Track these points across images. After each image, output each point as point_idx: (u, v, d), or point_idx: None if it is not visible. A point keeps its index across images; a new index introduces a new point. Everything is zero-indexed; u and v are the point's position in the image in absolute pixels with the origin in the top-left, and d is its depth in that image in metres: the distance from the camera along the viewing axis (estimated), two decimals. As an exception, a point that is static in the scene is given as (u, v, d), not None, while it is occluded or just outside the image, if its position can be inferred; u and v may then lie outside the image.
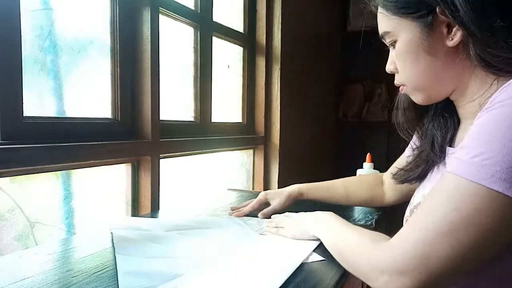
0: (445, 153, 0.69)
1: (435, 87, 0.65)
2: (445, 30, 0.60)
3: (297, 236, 0.82)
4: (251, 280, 0.62)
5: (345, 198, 1.05)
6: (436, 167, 0.71)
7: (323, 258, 0.72)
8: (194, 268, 0.66)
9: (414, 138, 0.79)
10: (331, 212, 0.78)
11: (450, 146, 0.69)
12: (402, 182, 0.80)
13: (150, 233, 0.83)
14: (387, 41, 0.68)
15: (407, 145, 0.84)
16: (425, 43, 0.61)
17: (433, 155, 0.70)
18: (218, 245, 0.78)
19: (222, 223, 0.94)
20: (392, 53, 0.68)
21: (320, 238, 0.75)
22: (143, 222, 0.92)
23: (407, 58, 0.65)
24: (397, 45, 0.65)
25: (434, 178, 0.70)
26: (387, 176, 1.01)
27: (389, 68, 0.71)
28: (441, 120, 0.72)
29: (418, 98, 0.69)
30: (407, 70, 0.66)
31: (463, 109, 0.66)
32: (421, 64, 0.63)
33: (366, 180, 1.06)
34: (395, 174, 0.82)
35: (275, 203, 1.03)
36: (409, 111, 0.76)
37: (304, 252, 0.74)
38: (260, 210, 1.03)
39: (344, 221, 0.73)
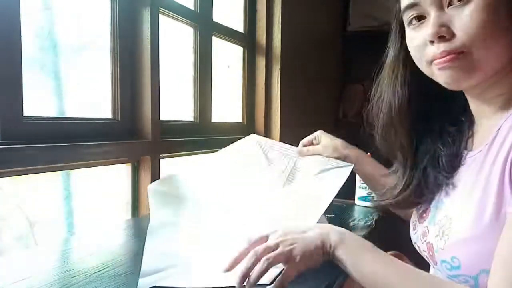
0: (454, 172, 0.63)
1: (502, 57, 0.56)
2: None
3: (309, 252, 0.58)
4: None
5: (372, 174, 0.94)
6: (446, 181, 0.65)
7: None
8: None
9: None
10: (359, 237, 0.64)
11: (466, 149, 0.64)
12: (409, 207, 0.73)
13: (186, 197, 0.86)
14: None
15: None
16: (510, 5, 0.53)
17: (444, 175, 0.64)
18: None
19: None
20: (446, 16, 0.56)
21: (347, 265, 0.58)
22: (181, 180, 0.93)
23: (490, 15, 0.53)
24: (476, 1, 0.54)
25: (451, 190, 0.64)
26: None
27: (439, 31, 0.56)
28: (446, 138, 0.66)
29: (465, 75, 0.57)
30: (485, 30, 0.54)
31: (483, 106, 0.61)
32: (500, 27, 0.54)
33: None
34: (396, 202, 0.72)
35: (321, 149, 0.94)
36: (408, 116, 0.68)
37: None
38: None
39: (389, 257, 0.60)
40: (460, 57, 0.56)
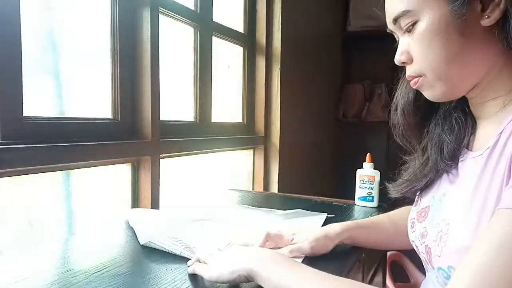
0: (458, 159, 0.62)
1: (462, 77, 0.57)
2: (479, 7, 0.53)
3: (224, 276, 0.58)
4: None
5: (393, 231, 0.81)
6: (446, 174, 0.64)
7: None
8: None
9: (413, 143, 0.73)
10: (276, 252, 0.63)
11: (467, 149, 0.63)
12: (405, 194, 0.72)
13: (165, 222, 0.90)
14: (403, 23, 0.58)
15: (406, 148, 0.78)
16: (457, 22, 0.53)
17: (443, 164, 0.63)
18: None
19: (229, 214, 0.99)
20: (406, 41, 0.59)
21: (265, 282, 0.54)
22: (155, 213, 0.97)
23: (434, 41, 0.55)
24: (420, 26, 0.56)
25: (448, 187, 0.63)
26: None
27: (399, 59, 0.61)
28: (453, 123, 0.65)
29: (437, 92, 0.60)
30: (433, 55, 0.56)
31: (482, 108, 0.60)
32: (451, 47, 0.55)
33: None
34: (397, 186, 0.73)
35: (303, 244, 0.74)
36: (411, 113, 0.68)
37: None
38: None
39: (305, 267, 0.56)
40: (421, 80, 0.60)
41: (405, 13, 0.57)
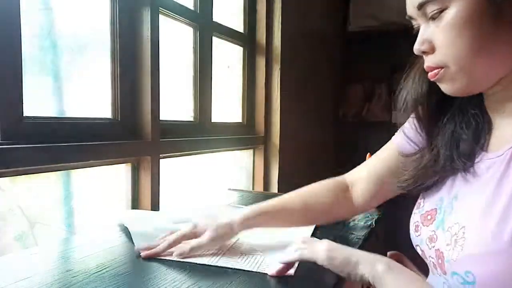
0: (475, 158, 0.59)
1: (487, 70, 0.54)
2: None
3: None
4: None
5: (303, 213, 0.80)
6: (460, 174, 0.60)
7: None
8: None
9: (412, 136, 0.70)
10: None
11: (482, 150, 0.59)
12: (410, 191, 0.68)
13: (159, 223, 0.86)
14: (429, 10, 0.54)
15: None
16: (491, 11, 0.50)
17: (461, 163, 0.59)
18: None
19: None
20: (430, 29, 0.56)
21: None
22: (150, 214, 0.94)
23: (464, 30, 0.51)
24: (449, 14, 0.52)
25: (462, 190, 0.59)
26: (354, 178, 0.84)
27: (420, 48, 0.57)
28: (470, 119, 0.61)
29: (457, 85, 0.56)
30: (460, 46, 0.52)
31: (501, 106, 0.57)
32: (482, 38, 0.51)
33: (326, 185, 0.85)
34: (401, 182, 0.69)
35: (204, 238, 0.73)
36: (425, 106, 0.64)
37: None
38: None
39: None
40: (442, 71, 0.56)
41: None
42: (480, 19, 0.51)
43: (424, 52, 0.57)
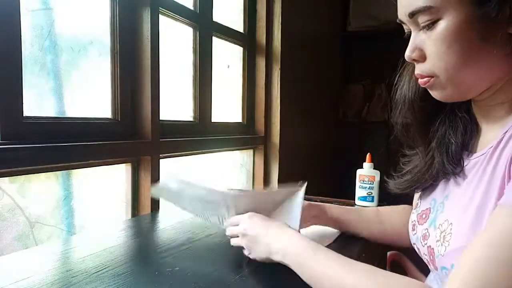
0: (464, 161, 0.61)
1: (475, 81, 0.55)
2: (508, 11, 0.49)
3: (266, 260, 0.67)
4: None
5: (378, 224, 0.84)
6: (453, 177, 0.62)
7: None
8: None
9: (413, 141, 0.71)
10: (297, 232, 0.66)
11: (469, 151, 0.62)
12: (404, 191, 0.71)
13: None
14: (421, 20, 0.54)
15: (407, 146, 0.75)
16: (482, 26, 0.50)
17: (450, 166, 0.61)
18: None
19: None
20: (420, 37, 0.56)
21: (296, 272, 0.62)
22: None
23: (453, 43, 0.52)
24: (441, 26, 0.52)
25: (453, 191, 0.62)
26: None
27: (410, 55, 0.57)
28: (458, 122, 0.63)
29: (447, 93, 0.57)
30: (450, 58, 0.53)
31: (487, 111, 0.59)
32: (470, 52, 0.52)
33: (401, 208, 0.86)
34: (399, 184, 0.72)
35: None
36: (420, 109, 0.65)
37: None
38: None
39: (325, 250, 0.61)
40: (432, 80, 0.57)
41: (426, 9, 0.53)
42: (470, 33, 0.52)
43: (415, 60, 0.58)
